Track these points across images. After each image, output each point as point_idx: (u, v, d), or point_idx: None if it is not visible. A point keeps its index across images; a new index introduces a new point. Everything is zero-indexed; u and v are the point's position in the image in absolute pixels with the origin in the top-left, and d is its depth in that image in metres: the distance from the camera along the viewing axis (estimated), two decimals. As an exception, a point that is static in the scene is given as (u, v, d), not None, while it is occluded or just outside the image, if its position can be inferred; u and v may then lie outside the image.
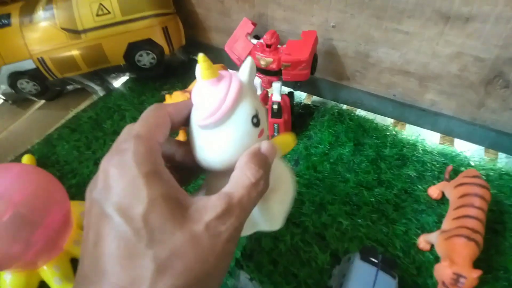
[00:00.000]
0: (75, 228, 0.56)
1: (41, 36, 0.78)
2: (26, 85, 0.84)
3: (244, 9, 0.80)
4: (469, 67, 0.63)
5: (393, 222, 0.60)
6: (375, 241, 0.58)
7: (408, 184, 0.65)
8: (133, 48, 0.81)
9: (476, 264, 0.48)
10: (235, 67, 0.55)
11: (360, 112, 0.81)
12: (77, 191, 0.67)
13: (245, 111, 0.23)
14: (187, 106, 0.25)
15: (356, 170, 0.68)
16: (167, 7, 0.82)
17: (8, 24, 0.78)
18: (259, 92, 0.73)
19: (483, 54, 0.61)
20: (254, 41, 0.70)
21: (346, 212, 0.61)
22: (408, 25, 0.63)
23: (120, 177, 0.19)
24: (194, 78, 0.25)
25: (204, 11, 0.88)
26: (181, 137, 0.71)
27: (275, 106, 0.69)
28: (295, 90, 0.82)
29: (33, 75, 0.82)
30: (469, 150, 0.71)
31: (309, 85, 0.84)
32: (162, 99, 0.82)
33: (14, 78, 0.83)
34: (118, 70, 0.86)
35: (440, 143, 0.74)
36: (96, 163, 0.72)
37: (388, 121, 0.79)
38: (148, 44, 0.81)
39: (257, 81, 0.70)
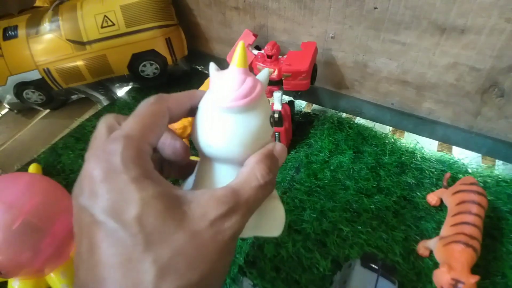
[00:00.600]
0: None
1: (47, 47, 0.80)
2: (32, 95, 0.86)
3: (245, 20, 0.82)
4: (465, 77, 0.65)
5: (393, 229, 0.61)
6: (375, 247, 0.59)
7: (407, 191, 0.67)
8: (137, 59, 0.83)
9: (474, 270, 0.50)
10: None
11: (359, 120, 0.83)
12: (82, 199, 0.68)
13: (267, 107, 0.23)
14: (191, 98, 0.24)
15: (356, 177, 0.69)
16: (170, 18, 0.84)
17: (15, 36, 0.80)
18: (278, 106, 0.74)
19: (478, 64, 0.62)
20: (255, 51, 0.72)
21: (346, 219, 0.62)
22: (405, 36, 0.65)
23: (108, 182, 0.18)
24: (197, 87, 0.26)
25: (206, 22, 0.90)
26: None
27: (276, 115, 0.70)
28: (295, 99, 0.84)
29: (39, 85, 0.84)
30: (466, 157, 0.73)
31: (309, 94, 0.86)
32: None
33: (20, 88, 0.84)
34: (122, 80, 0.88)
35: (438, 151, 0.76)
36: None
37: (387, 129, 0.81)
38: (151, 54, 0.83)
39: (277, 94, 0.72)
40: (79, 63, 0.81)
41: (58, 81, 0.83)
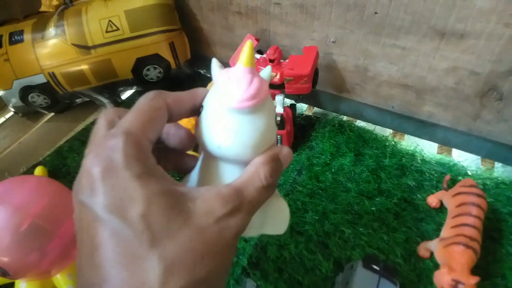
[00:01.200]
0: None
1: (52, 52, 0.81)
2: (37, 99, 0.87)
3: (248, 25, 0.83)
4: (464, 81, 0.66)
5: (394, 231, 0.62)
6: (377, 249, 0.60)
7: (407, 193, 0.67)
8: (141, 63, 0.84)
9: (474, 271, 0.50)
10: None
11: (360, 123, 0.84)
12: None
13: (272, 107, 0.23)
14: (193, 97, 0.23)
15: (357, 179, 0.70)
16: (174, 23, 0.85)
17: (21, 41, 0.81)
18: (280, 109, 0.75)
19: (477, 68, 0.63)
20: (258, 56, 0.73)
21: (348, 221, 0.63)
22: (405, 41, 0.66)
23: (110, 179, 0.17)
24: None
25: (209, 27, 0.91)
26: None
27: (278, 118, 0.71)
28: (297, 102, 0.85)
29: (44, 89, 0.85)
30: (466, 160, 0.73)
31: (310, 97, 0.87)
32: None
33: (25, 92, 0.85)
34: (126, 84, 0.89)
35: (438, 153, 0.77)
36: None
37: (387, 132, 0.82)
38: (155, 59, 0.84)
39: (279, 98, 0.72)
40: (84, 67, 0.82)
41: (63, 85, 0.84)
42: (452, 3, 0.58)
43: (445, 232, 0.56)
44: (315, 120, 0.85)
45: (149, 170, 0.18)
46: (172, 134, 0.24)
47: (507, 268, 0.57)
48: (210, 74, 0.23)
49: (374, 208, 0.65)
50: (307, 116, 0.87)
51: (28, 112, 0.94)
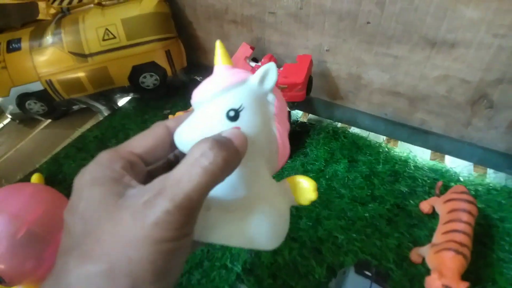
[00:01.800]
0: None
1: (50, 60, 0.82)
2: (34, 106, 0.88)
3: (243, 33, 0.84)
4: (455, 89, 0.67)
5: (386, 236, 0.63)
6: (369, 254, 0.61)
7: (400, 199, 0.68)
8: (137, 71, 0.85)
9: (466, 276, 0.51)
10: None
11: (354, 129, 0.85)
12: (83, 209, 0.70)
13: (226, 101, 0.22)
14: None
15: (351, 186, 0.71)
16: (170, 31, 0.86)
17: (18, 48, 0.82)
18: None
19: (468, 77, 0.65)
20: (253, 64, 0.74)
21: (341, 227, 0.64)
22: (397, 50, 0.68)
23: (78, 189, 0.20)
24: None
25: (205, 35, 0.92)
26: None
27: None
28: (291, 109, 0.86)
29: (41, 96, 0.86)
30: (458, 166, 0.74)
31: (305, 104, 0.88)
32: (165, 118, 0.85)
33: (22, 99, 0.86)
34: (122, 91, 0.90)
35: (431, 159, 0.78)
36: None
37: (381, 138, 0.83)
38: (151, 66, 0.85)
39: None
40: (81, 74, 0.83)
41: (60, 92, 0.85)
42: (443, 13, 0.60)
43: (437, 238, 0.57)
44: (309, 127, 0.86)
45: (106, 176, 0.20)
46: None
47: (497, 273, 0.57)
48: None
49: (367, 214, 0.66)
50: (302, 123, 0.88)
51: (25, 119, 0.95)
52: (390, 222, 0.65)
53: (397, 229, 0.64)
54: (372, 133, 0.84)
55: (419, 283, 0.57)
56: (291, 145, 0.27)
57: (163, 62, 0.86)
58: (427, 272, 0.57)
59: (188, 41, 0.94)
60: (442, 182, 0.68)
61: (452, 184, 0.69)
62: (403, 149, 0.79)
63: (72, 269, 0.18)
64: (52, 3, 0.86)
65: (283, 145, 0.25)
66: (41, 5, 0.88)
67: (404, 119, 0.77)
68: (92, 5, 0.85)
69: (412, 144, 0.80)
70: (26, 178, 0.76)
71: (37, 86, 0.84)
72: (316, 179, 0.72)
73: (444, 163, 0.77)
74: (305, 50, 0.78)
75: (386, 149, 0.78)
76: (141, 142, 0.23)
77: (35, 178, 0.73)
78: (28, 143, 0.90)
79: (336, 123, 0.86)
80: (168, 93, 0.94)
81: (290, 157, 0.78)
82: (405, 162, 0.75)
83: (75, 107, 0.94)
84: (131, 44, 0.81)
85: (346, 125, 0.86)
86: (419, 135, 0.78)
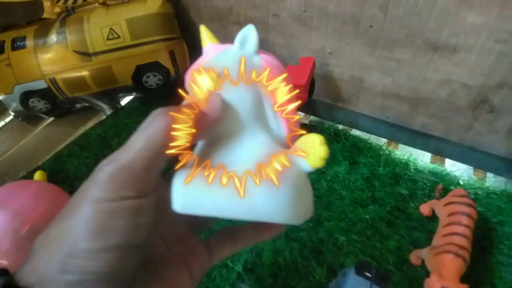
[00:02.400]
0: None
1: (54, 58, 0.82)
2: (37, 103, 0.88)
3: (246, 34, 0.85)
4: (457, 93, 0.68)
5: (387, 238, 0.63)
6: (370, 256, 0.61)
7: (400, 201, 0.69)
8: (141, 70, 0.86)
9: (465, 279, 0.52)
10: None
11: (355, 132, 0.85)
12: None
13: (214, 64, 0.23)
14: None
15: (352, 188, 0.71)
16: (173, 32, 0.86)
17: (23, 46, 0.82)
18: None
19: (469, 81, 0.65)
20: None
21: (342, 228, 0.65)
22: (400, 54, 0.68)
23: None
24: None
25: (208, 36, 0.93)
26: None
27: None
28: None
29: (44, 94, 0.86)
30: (458, 170, 0.75)
31: (307, 106, 0.88)
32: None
33: (25, 96, 0.86)
34: (125, 90, 0.91)
35: (431, 162, 0.78)
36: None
37: (382, 141, 0.83)
38: (155, 66, 0.86)
39: None
40: (85, 73, 0.83)
41: (64, 90, 0.86)
42: (445, 18, 0.60)
43: (436, 240, 0.58)
44: (311, 128, 0.86)
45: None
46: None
47: (496, 276, 0.58)
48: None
49: (367, 216, 0.66)
50: (304, 124, 0.88)
51: (28, 117, 0.95)
52: (391, 224, 0.66)
53: (397, 231, 0.64)
54: (373, 136, 0.84)
55: (419, 285, 0.57)
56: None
57: (166, 62, 0.86)
58: (427, 274, 0.57)
59: (191, 41, 0.95)
60: (442, 185, 0.68)
61: (452, 187, 0.70)
62: (403, 152, 0.79)
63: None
64: (57, 2, 0.86)
65: (280, 104, 0.22)
66: (46, 3, 0.89)
67: (405, 122, 0.78)
68: (97, 5, 0.85)
69: (412, 147, 0.81)
70: (29, 176, 0.76)
71: (41, 84, 0.84)
72: (317, 180, 0.73)
73: (444, 166, 0.77)
74: (308, 52, 0.78)
75: (387, 151, 0.79)
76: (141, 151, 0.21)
77: (38, 175, 0.73)
78: (31, 141, 0.90)
79: (338, 125, 0.86)
80: (171, 93, 0.94)
81: (292, 158, 0.79)
82: (405, 165, 0.75)
83: (78, 106, 0.95)
84: (135, 44, 0.82)
85: (348, 127, 0.86)
86: (420, 138, 0.78)
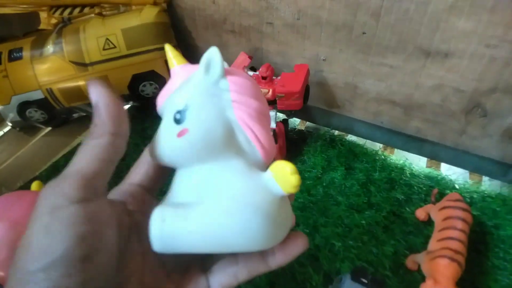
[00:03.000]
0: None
1: (50, 69, 0.83)
2: (34, 114, 0.88)
3: (241, 43, 0.86)
4: (450, 98, 0.68)
5: (383, 243, 0.64)
6: (366, 261, 0.61)
7: (396, 206, 0.69)
8: (137, 79, 0.86)
9: (461, 283, 0.52)
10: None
11: (351, 137, 0.86)
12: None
13: (172, 104, 0.22)
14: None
15: (348, 193, 0.72)
16: (169, 41, 0.87)
17: (20, 58, 0.83)
18: (273, 125, 0.76)
19: (462, 86, 0.66)
20: (251, 73, 0.75)
21: (338, 234, 0.65)
22: (392, 60, 0.69)
23: None
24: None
25: (203, 45, 0.94)
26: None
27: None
28: (289, 117, 0.87)
29: (41, 104, 0.87)
30: (454, 173, 0.75)
31: (303, 112, 0.89)
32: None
33: (23, 107, 0.87)
34: (122, 99, 0.91)
35: (427, 167, 0.79)
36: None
37: (377, 146, 0.84)
38: (151, 75, 0.86)
39: (271, 113, 0.74)
40: (81, 83, 0.84)
41: (60, 101, 0.86)
42: (436, 24, 0.61)
43: (432, 245, 0.58)
44: (307, 135, 0.87)
45: None
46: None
47: (492, 280, 0.58)
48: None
49: (363, 221, 0.67)
50: (300, 131, 0.89)
51: (25, 127, 0.95)
52: (387, 229, 0.66)
53: (393, 236, 0.65)
54: (369, 141, 0.85)
55: (415, 290, 0.57)
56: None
57: (162, 71, 0.87)
58: (423, 279, 0.58)
59: (187, 50, 0.96)
60: (437, 189, 0.69)
61: (448, 191, 0.70)
62: (399, 156, 0.80)
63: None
64: (54, 13, 0.87)
65: (254, 131, 0.22)
66: (43, 15, 0.90)
67: (399, 127, 0.78)
68: (92, 15, 0.86)
69: (408, 151, 0.81)
70: (26, 186, 0.77)
71: (37, 95, 0.85)
72: (313, 186, 0.73)
73: (440, 170, 0.78)
74: (302, 59, 0.79)
75: (383, 156, 0.79)
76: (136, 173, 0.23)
77: (35, 185, 0.74)
78: (28, 151, 0.91)
79: (333, 131, 0.87)
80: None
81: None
82: (401, 169, 0.76)
83: (75, 115, 0.95)
84: (131, 54, 0.83)
85: (343, 133, 0.87)
86: (414, 143, 0.79)
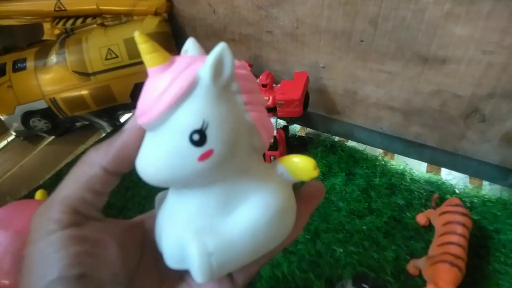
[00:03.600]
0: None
1: (54, 79, 0.85)
2: (38, 123, 0.90)
3: (241, 51, 0.87)
4: (448, 103, 0.69)
5: (384, 249, 0.64)
6: (367, 267, 0.62)
7: (397, 211, 0.69)
8: (139, 88, 0.87)
9: (462, 288, 0.52)
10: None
11: (351, 143, 0.86)
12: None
13: (183, 120, 0.18)
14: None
15: (348, 199, 0.72)
16: (170, 50, 0.88)
17: (24, 68, 0.85)
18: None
19: (460, 92, 0.66)
20: (251, 81, 0.76)
21: (339, 240, 0.65)
22: (391, 66, 0.70)
23: None
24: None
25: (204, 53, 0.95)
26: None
27: (271, 140, 0.74)
28: (289, 124, 0.88)
29: (45, 113, 0.88)
30: (455, 178, 0.76)
31: (303, 119, 0.90)
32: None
33: (26, 116, 0.88)
34: (124, 108, 0.92)
35: (428, 172, 0.79)
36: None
37: (378, 152, 0.84)
38: (153, 84, 0.87)
39: (273, 120, 0.75)
40: (84, 92, 0.85)
41: (64, 110, 0.87)
42: (433, 31, 0.62)
43: (432, 250, 0.58)
44: (308, 141, 0.87)
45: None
46: None
47: (493, 284, 0.58)
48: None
49: (364, 227, 0.67)
50: (300, 137, 0.90)
51: (29, 136, 0.97)
52: (387, 234, 0.66)
53: (394, 242, 0.65)
54: (369, 147, 0.85)
55: (416, 295, 0.57)
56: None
57: (164, 80, 0.88)
58: (424, 284, 0.58)
59: (188, 58, 0.97)
60: (438, 194, 0.69)
61: (448, 196, 0.70)
62: (399, 162, 0.80)
63: None
64: (57, 24, 0.89)
65: (265, 128, 0.21)
66: (46, 25, 0.91)
67: (399, 132, 0.79)
68: (95, 26, 0.88)
69: (408, 157, 0.82)
70: (30, 194, 0.77)
71: (41, 104, 0.86)
72: (314, 192, 0.74)
73: (440, 175, 0.78)
74: (302, 67, 0.80)
75: (383, 162, 0.80)
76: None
77: (39, 194, 0.74)
78: (32, 160, 0.92)
79: (334, 137, 0.88)
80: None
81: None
82: (401, 175, 0.76)
83: (78, 124, 0.96)
84: (133, 63, 0.84)
85: (344, 139, 0.88)
86: (414, 148, 0.79)
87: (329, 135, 0.88)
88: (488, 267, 0.61)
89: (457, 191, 0.73)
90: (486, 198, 0.71)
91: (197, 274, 0.18)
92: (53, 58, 0.85)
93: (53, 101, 0.86)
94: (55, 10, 0.86)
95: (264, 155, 0.62)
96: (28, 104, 0.86)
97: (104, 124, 0.95)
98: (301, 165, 0.21)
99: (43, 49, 0.87)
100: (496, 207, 0.68)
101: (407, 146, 0.80)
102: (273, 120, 0.75)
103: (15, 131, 0.94)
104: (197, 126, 0.17)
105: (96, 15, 0.88)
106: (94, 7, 0.86)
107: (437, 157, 0.78)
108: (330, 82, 0.79)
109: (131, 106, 0.92)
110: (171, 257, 0.20)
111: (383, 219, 0.68)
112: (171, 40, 0.89)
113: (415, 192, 0.72)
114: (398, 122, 0.77)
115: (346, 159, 0.80)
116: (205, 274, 0.18)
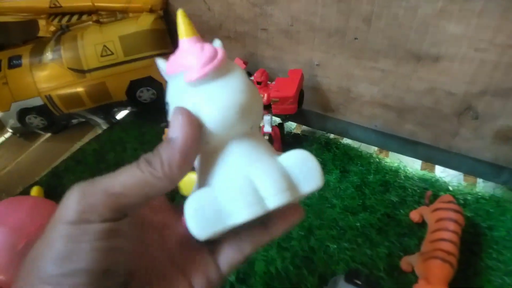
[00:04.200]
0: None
1: (49, 75, 0.85)
2: (34, 120, 0.90)
3: (236, 48, 0.87)
4: (441, 101, 0.69)
5: (377, 245, 0.64)
6: (360, 263, 0.62)
7: (390, 208, 0.70)
8: (134, 85, 0.88)
9: (455, 284, 0.53)
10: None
11: (346, 140, 0.87)
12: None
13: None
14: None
15: (342, 196, 0.72)
16: (166, 47, 0.89)
17: (19, 65, 0.85)
18: (268, 129, 0.77)
19: (453, 89, 0.67)
20: (246, 78, 0.76)
21: (333, 236, 0.66)
22: (384, 64, 0.70)
23: None
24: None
25: (200, 50, 0.95)
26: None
27: (266, 137, 0.74)
28: (284, 121, 0.88)
29: (41, 110, 0.88)
30: (449, 175, 0.76)
31: (298, 116, 0.90)
32: (162, 131, 0.87)
33: (22, 113, 0.88)
34: (120, 105, 0.92)
35: (422, 169, 0.79)
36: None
37: (372, 149, 0.85)
38: (148, 81, 0.88)
39: (267, 117, 0.76)
40: (80, 90, 0.85)
41: (59, 107, 0.88)
42: (425, 28, 0.62)
43: (425, 246, 0.59)
44: (303, 138, 0.88)
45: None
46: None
47: (485, 281, 0.59)
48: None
49: (358, 224, 0.67)
50: (296, 134, 0.90)
51: (25, 133, 0.97)
52: (381, 231, 0.67)
53: (388, 238, 0.65)
54: (364, 144, 0.86)
55: (409, 291, 0.58)
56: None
57: (159, 77, 0.88)
58: (417, 280, 0.58)
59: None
60: (431, 191, 0.70)
61: (442, 193, 0.71)
62: (393, 159, 0.81)
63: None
64: (52, 20, 0.89)
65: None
66: (42, 22, 0.91)
67: (393, 130, 0.79)
68: (90, 23, 0.88)
69: (402, 154, 0.82)
70: (26, 191, 0.78)
71: (37, 101, 0.86)
72: (308, 189, 0.74)
73: (434, 172, 0.78)
74: (297, 64, 0.80)
75: (377, 159, 0.80)
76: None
77: (35, 191, 0.75)
78: (28, 157, 0.92)
79: (329, 134, 0.88)
80: (165, 106, 0.96)
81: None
82: (395, 172, 0.76)
83: (74, 121, 0.97)
84: (128, 60, 0.84)
85: (338, 136, 0.88)
86: (408, 146, 0.80)
87: (324, 132, 0.88)
88: (480, 263, 0.61)
89: (451, 188, 0.73)
90: (479, 195, 0.71)
91: (190, 231, 0.20)
92: (48, 55, 0.85)
93: (49, 98, 0.86)
94: (50, 7, 0.86)
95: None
96: (23, 101, 0.86)
97: (100, 121, 0.95)
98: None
99: (39, 46, 0.87)
100: (490, 204, 0.69)
101: (402, 143, 0.80)
102: (267, 117, 0.75)
103: (11, 128, 0.94)
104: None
105: (92, 12, 0.88)
106: (90, 4, 0.86)
107: (431, 155, 0.79)
108: (325, 79, 0.80)
109: (126, 103, 0.92)
110: (245, 201, 0.20)
111: (377, 216, 0.68)
112: (166, 37, 0.89)
113: (409, 189, 0.73)
114: (392, 120, 0.78)
115: (340, 156, 0.80)
116: (195, 230, 0.20)
